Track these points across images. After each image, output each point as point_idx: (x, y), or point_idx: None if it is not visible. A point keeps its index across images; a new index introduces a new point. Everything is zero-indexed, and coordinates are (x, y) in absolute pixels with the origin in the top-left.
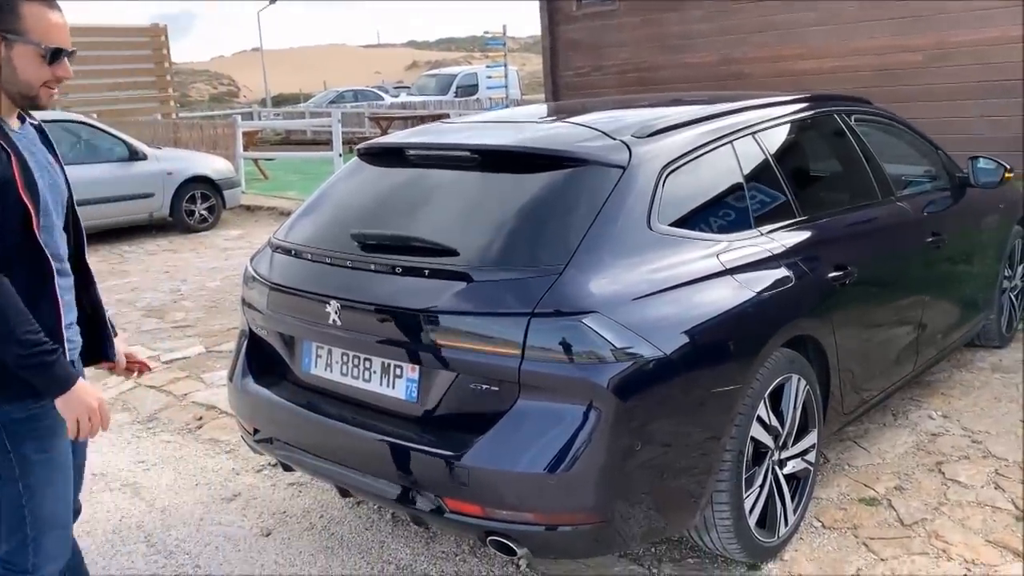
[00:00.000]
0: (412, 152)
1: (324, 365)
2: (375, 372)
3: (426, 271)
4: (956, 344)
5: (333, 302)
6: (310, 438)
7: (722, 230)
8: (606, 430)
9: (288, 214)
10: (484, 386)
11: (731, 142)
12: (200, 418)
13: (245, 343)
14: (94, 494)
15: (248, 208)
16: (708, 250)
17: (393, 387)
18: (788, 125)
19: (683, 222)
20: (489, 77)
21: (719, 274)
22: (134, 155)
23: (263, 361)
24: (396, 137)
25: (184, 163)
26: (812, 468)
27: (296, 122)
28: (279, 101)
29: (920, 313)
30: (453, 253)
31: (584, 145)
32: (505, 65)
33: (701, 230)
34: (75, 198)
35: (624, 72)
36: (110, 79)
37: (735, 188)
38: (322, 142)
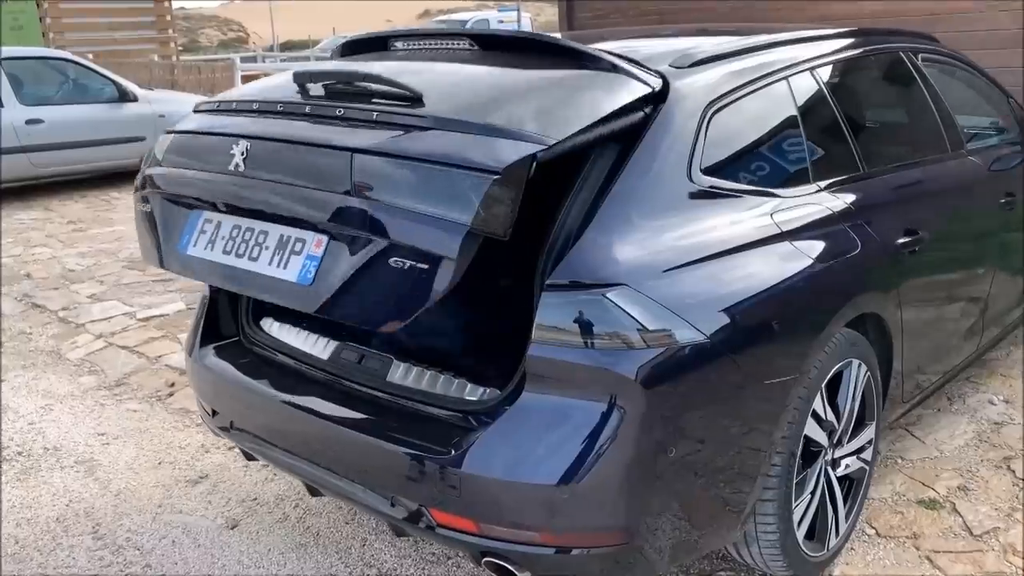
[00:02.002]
0: (400, 42)
1: (207, 242)
2: (267, 248)
3: (375, 114)
4: (1019, 320)
5: (243, 142)
6: (271, 425)
7: (775, 184)
8: (632, 432)
9: None
10: (410, 263)
11: (786, 78)
12: (172, 384)
13: (205, 310)
14: (42, 473)
15: None
16: (760, 208)
17: (285, 266)
18: (849, 62)
19: (730, 173)
20: (500, 22)
21: (773, 238)
22: (124, 96)
23: (225, 329)
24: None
25: (177, 106)
26: (868, 468)
27: (299, 64)
28: (287, 47)
29: (988, 285)
30: (419, 102)
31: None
32: (518, 10)
33: (751, 183)
34: (60, 139)
35: (646, 14)
36: (108, 18)
37: (791, 133)
38: None
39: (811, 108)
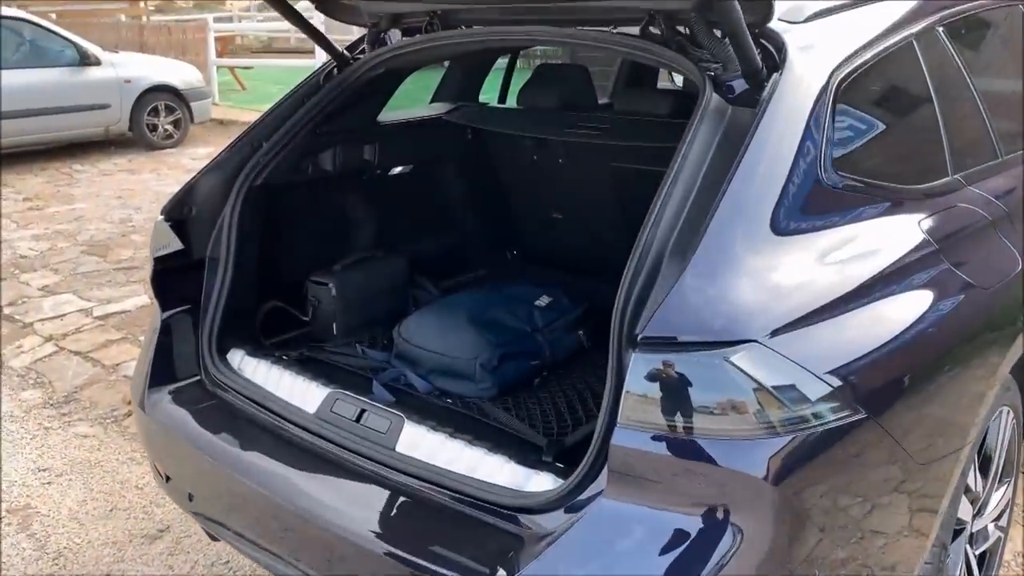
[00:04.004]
0: None
1: None
2: None
3: None
4: None
5: None
6: (236, 505)
7: (913, 177)
8: (763, 552)
9: None
10: None
11: (912, 38)
12: (130, 401)
13: (156, 341)
14: None
15: (220, 122)
16: (904, 213)
17: None
18: (971, 18)
19: (866, 165)
20: None
21: (928, 258)
22: (85, 60)
23: (182, 366)
24: None
25: (144, 70)
26: (1004, 536)
27: (277, 24)
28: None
29: None
30: None
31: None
32: None
33: (889, 179)
34: (15, 107)
35: None
36: None
37: (924, 109)
38: (307, 50)
39: (941, 75)
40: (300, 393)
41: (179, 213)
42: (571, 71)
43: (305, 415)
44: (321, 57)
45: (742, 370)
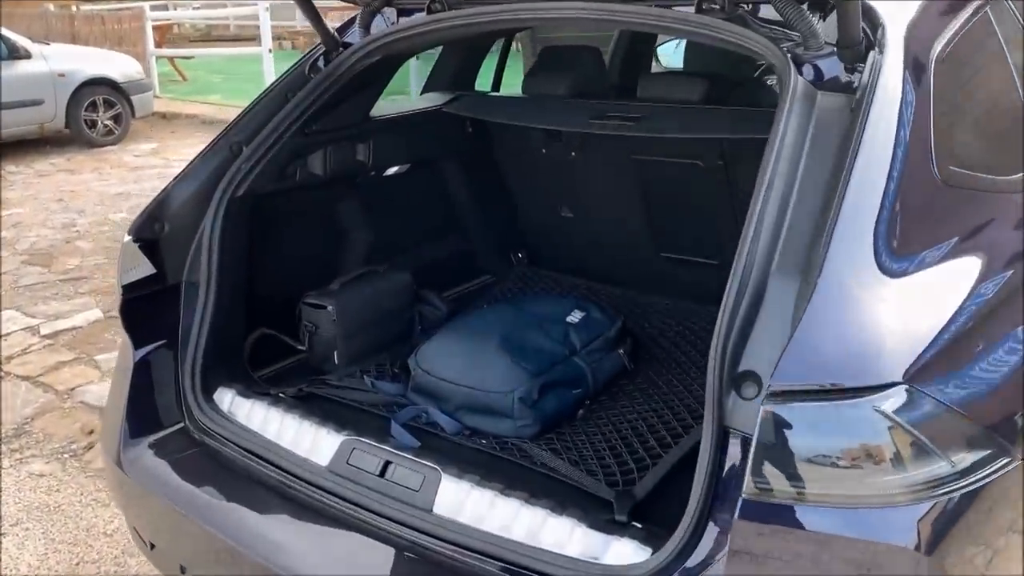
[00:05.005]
0: None
1: None
2: None
3: None
4: None
5: None
6: None
7: (1008, 169)
8: None
9: (211, 122)
10: None
11: (986, 6)
12: (91, 432)
13: (130, 381)
14: None
15: (163, 116)
16: (1015, 211)
17: None
18: None
19: (968, 156)
20: None
21: None
22: (14, 53)
23: (164, 411)
24: None
25: (79, 63)
26: None
27: (215, 12)
28: None
29: None
30: None
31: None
32: None
33: (987, 169)
34: None
35: None
36: None
37: (1010, 91)
38: (248, 37)
39: (1015, 49)
40: (307, 441)
41: (149, 231)
42: (582, 54)
43: (316, 469)
44: (267, 43)
45: (892, 418)
